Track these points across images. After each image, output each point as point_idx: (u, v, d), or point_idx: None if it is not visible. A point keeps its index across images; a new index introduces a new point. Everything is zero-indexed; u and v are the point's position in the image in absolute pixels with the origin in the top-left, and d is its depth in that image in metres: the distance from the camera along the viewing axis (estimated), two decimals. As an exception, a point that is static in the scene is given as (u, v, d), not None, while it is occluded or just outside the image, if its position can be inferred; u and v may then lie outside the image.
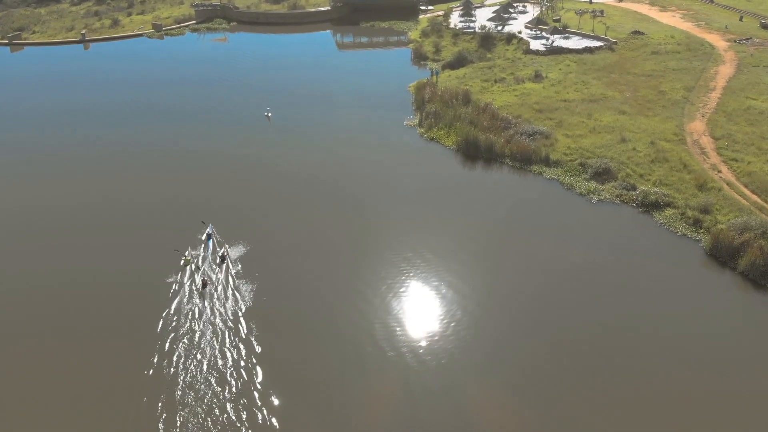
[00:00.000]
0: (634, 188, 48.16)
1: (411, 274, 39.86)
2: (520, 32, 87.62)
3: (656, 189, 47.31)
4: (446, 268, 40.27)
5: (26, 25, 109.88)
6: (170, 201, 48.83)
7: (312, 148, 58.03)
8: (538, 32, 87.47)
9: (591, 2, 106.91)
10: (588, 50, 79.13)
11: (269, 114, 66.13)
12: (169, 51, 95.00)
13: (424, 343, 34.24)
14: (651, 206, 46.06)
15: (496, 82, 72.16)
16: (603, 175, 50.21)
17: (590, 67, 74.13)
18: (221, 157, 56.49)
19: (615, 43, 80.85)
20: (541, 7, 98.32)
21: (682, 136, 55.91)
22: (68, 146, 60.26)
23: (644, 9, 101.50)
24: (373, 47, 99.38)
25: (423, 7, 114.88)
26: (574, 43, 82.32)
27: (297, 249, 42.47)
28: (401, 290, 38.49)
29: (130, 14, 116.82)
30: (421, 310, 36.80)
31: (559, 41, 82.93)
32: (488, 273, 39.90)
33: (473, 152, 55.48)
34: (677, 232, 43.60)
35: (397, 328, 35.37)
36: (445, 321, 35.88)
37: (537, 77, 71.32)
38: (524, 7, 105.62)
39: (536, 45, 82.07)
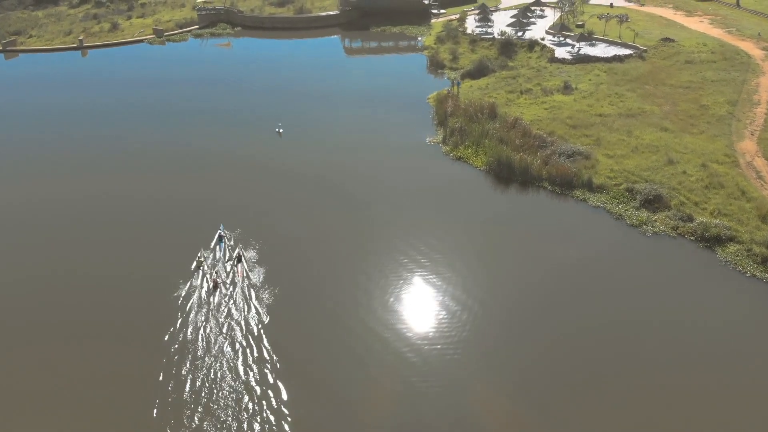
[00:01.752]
0: (691, 219, 43.39)
1: (449, 330, 35.21)
2: (542, 39, 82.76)
3: (716, 221, 42.53)
4: (489, 320, 35.53)
5: (23, 28, 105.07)
6: (184, 201, 48.96)
7: (330, 170, 53.12)
8: (562, 39, 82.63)
9: (612, 6, 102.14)
10: (617, 59, 74.33)
11: (280, 130, 61.27)
12: (171, 58, 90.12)
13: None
14: (712, 241, 41.32)
15: (522, 93, 67.34)
16: (654, 202, 45.42)
17: (622, 78, 69.34)
18: (235, 171, 51.89)
19: (645, 50, 76.07)
20: (562, 12, 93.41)
21: (734, 158, 51.19)
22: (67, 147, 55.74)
23: (669, 14, 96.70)
24: (385, 52, 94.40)
25: (435, 11, 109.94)
26: (602, 50, 77.52)
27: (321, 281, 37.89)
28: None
29: (129, 17, 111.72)
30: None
31: (586, 49, 78.12)
32: (540, 326, 35.10)
33: (506, 174, 50.64)
34: (745, 272, 38.85)
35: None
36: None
37: (566, 88, 66.51)
38: (542, 11, 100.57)
39: (561, 53, 77.25)
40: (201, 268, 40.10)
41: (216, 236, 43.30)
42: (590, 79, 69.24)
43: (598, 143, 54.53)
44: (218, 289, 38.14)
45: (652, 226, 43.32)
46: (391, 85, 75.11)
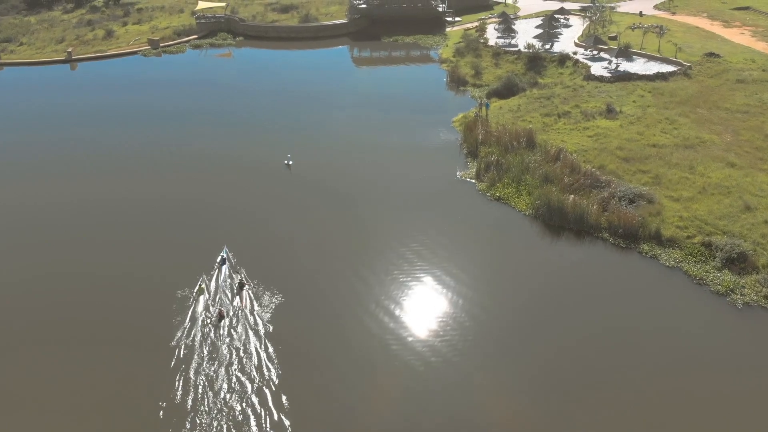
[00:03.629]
0: (788, 285, 36.30)
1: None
2: (575, 53, 75.56)
3: (821, 289, 35.47)
4: (559, 415, 28.37)
5: (14, 35, 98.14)
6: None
7: (346, 216, 45.94)
8: (595, 53, 75.45)
9: (641, 14, 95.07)
10: (661, 77, 67.17)
11: (289, 162, 53.99)
12: (166, 74, 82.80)
13: None
14: (819, 314, 34.26)
15: (559, 117, 60.12)
16: (738, 262, 38.16)
17: (670, 99, 62.15)
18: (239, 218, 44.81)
19: (690, 67, 68.93)
20: (592, 21, 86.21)
21: (821, 202, 44.13)
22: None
23: (705, 24, 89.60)
24: (398, 63, 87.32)
25: (449, 19, 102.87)
26: (642, 66, 70.33)
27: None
28: None
29: (125, 24, 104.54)
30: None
31: (624, 64, 70.92)
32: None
33: (558, 221, 43.43)
34: None
35: None
36: None
37: (610, 112, 59.26)
38: (566, 19, 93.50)
39: (598, 69, 70.04)
40: (202, 295, 36.82)
41: (218, 259, 39.83)
42: (634, 101, 62.01)
43: (658, 181, 47.35)
44: (223, 320, 34.75)
45: (741, 295, 36.12)
46: (409, 104, 67.79)
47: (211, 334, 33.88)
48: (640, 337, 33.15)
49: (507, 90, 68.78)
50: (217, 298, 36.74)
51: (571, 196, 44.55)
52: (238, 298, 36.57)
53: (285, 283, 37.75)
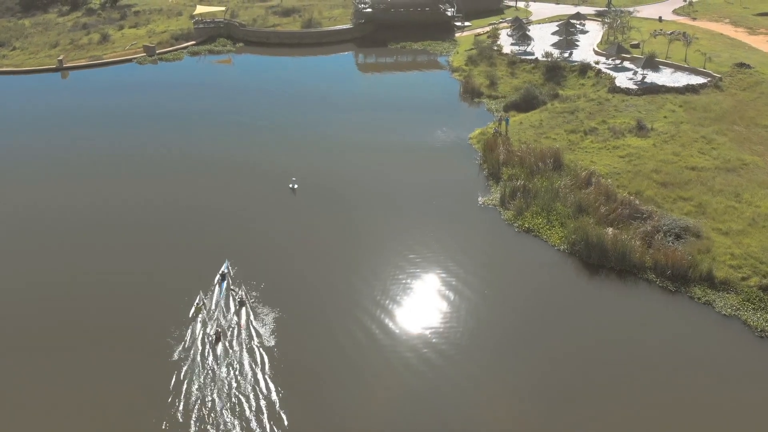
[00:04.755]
0: None
1: None
2: (597, 62, 71.23)
3: None
4: None
5: (7, 39, 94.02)
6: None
7: (355, 258, 41.64)
8: (618, 62, 71.14)
9: (660, 20, 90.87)
10: (691, 89, 62.85)
11: (294, 186, 49.60)
12: (162, 87, 78.32)
13: None
14: None
15: (586, 134, 55.85)
16: (805, 309, 34.09)
17: (703, 115, 57.86)
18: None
19: (720, 79, 64.64)
20: (611, 27, 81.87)
21: None
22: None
23: (729, 31, 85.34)
24: (406, 70, 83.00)
25: (458, 24, 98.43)
26: (669, 77, 66.00)
27: None
28: None
29: (121, 27, 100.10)
30: None
31: (650, 75, 66.58)
32: None
33: (596, 259, 39.04)
34: None
35: None
36: None
37: (641, 129, 54.98)
38: (582, 25, 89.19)
39: (622, 80, 65.70)
40: (200, 314, 34.93)
41: (218, 275, 37.93)
42: (665, 117, 57.74)
43: (702, 211, 43.08)
44: (220, 342, 32.96)
45: (813, 350, 31.95)
46: (421, 119, 63.31)
47: (209, 357, 32.10)
48: (707, 413, 28.83)
49: (526, 103, 64.51)
50: (215, 316, 34.94)
51: (610, 229, 40.22)
52: (236, 317, 34.80)
53: (287, 303, 35.82)
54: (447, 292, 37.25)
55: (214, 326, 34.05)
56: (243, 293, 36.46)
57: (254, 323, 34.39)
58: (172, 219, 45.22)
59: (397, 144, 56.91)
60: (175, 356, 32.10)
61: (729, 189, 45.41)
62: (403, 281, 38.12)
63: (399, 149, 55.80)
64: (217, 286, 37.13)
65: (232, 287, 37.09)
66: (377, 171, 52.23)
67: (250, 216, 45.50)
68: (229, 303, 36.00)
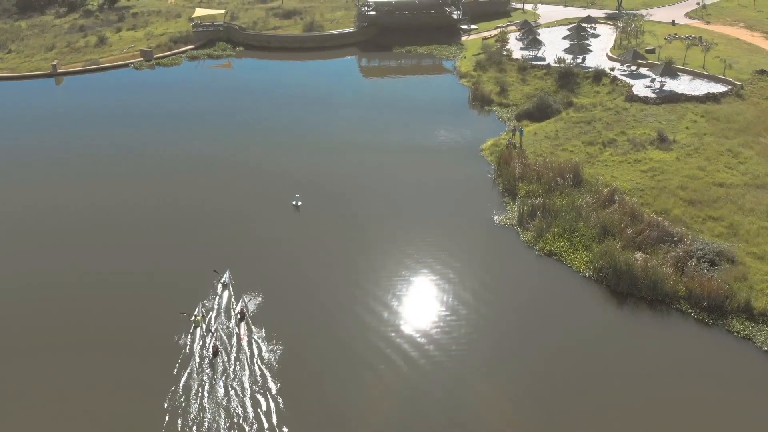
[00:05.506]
0: None
1: None
2: (612, 69, 68.57)
3: None
4: None
5: (3, 42, 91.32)
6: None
7: (363, 272, 39.10)
8: (634, 68, 68.49)
9: (673, 23, 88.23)
10: (712, 98, 60.24)
11: (298, 203, 46.90)
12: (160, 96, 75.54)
13: None
14: None
15: (604, 146, 53.28)
16: None
17: (727, 126, 55.26)
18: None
19: (741, 87, 62.01)
20: (624, 32, 79.19)
21: None
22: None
23: (745, 35, 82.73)
24: (411, 74, 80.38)
25: (464, 27, 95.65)
26: (688, 85, 63.36)
27: None
28: None
29: (119, 30, 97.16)
30: None
31: (669, 83, 63.91)
32: None
33: (625, 287, 36.39)
34: None
35: None
36: None
37: (662, 141, 52.40)
38: (593, 28, 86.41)
39: (640, 88, 63.04)
40: (199, 327, 34.00)
41: (219, 285, 37.18)
42: (687, 127, 55.15)
43: (734, 232, 40.49)
44: (218, 357, 32.15)
45: None
46: (429, 128, 60.53)
47: (207, 371, 31.37)
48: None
49: (539, 111, 61.86)
50: (214, 328, 34.12)
51: (639, 254, 37.57)
52: (237, 329, 34.01)
53: (286, 311, 35.22)
54: (467, 329, 34.58)
55: (213, 340, 33.10)
56: (243, 304, 35.62)
57: (255, 335, 33.57)
58: (172, 219, 44.73)
59: (408, 158, 54.09)
60: (174, 371, 31.22)
61: (761, 208, 42.87)
62: (411, 305, 35.59)
63: (409, 163, 53.11)
64: (218, 296, 36.37)
65: (234, 298, 36.28)
66: (387, 182, 50.06)
67: (251, 216, 45.10)
68: (229, 313, 35.29)
